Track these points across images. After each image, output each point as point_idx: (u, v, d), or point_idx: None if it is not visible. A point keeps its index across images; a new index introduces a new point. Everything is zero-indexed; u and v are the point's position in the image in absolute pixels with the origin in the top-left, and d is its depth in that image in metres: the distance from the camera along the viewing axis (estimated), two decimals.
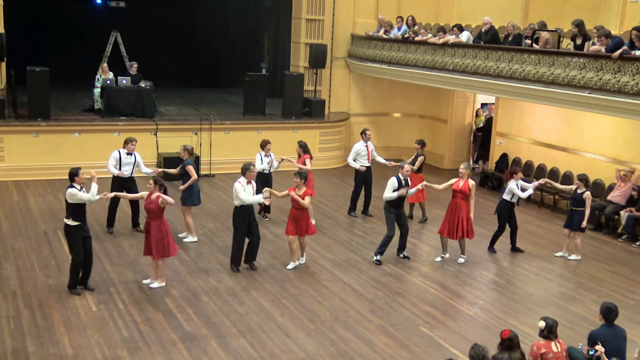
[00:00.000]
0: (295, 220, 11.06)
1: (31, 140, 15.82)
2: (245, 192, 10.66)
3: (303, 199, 10.89)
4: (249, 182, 10.81)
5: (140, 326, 9.00)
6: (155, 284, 10.22)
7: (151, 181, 10.02)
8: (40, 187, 15.27)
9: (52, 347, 8.32)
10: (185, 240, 12.31)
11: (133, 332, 8.84)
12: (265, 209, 13.80)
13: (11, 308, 9.31)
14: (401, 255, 12.00)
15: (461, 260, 11.93)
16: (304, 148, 13.53)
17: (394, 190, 11.41)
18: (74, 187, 9.53)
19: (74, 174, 9.61)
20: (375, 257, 11.78)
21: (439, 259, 11.99)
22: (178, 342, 8.63)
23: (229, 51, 24.62)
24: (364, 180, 14.22)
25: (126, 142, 12.31)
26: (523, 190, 12.21)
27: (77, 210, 9.59)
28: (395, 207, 11.58)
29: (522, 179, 12.49)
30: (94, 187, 9.67)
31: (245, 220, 10.86)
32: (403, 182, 11.54)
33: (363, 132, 14.27)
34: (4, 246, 11.64)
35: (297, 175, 11.05)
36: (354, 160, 14.14)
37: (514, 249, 12.65)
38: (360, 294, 10.46)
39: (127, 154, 12.25)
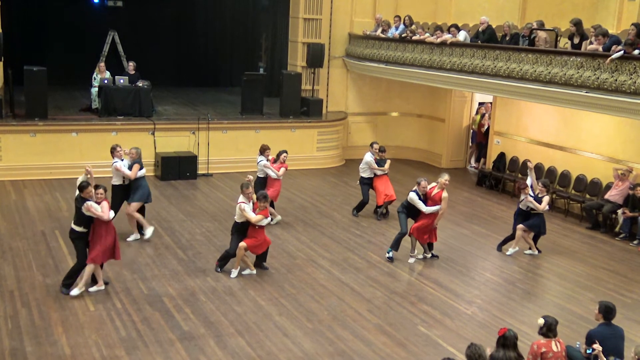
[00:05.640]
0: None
1: (28, 139, 15.79)
2: (250, 212, 10.60)
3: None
4: (250, 200, 10.75)
5: (138, 326, 8.99)
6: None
7: (101, 190, 9.75)
8: (38, 186, 15.24)
9: (49, 347, 8.31)
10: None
11: (131, 331, 8.83)
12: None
13: (9, 308, 9.29)
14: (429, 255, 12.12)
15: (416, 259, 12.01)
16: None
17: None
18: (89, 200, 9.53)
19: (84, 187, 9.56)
20: (388, 254, 11.91)
21: (412, 260, 11.92)
22: (176, 342, 8.62)
23: (227, 50, 24.62)
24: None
25: (112, 150, 12.03)
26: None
27: (87, 219, 9.65)
28: (409, 210, 11.76)
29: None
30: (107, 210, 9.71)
31: (244, 229, 10.81)
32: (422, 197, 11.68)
33: (371, 146, 14.39)
34: (1, 246, 11.61)
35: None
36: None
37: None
38: (358, 293, 10.46)
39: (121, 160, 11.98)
